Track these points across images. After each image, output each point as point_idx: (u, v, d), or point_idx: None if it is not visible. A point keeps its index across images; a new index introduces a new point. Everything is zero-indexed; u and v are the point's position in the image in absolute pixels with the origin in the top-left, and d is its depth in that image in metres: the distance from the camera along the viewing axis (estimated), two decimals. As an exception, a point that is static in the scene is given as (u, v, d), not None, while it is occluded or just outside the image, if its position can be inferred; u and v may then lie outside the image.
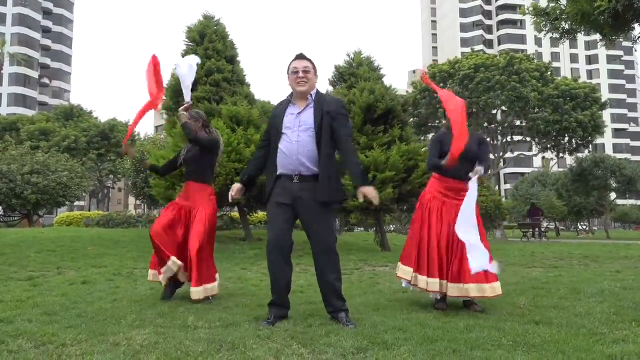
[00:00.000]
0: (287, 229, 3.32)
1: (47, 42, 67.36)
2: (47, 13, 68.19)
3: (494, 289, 3.66)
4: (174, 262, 4.09)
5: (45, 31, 67.49)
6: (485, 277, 3.63)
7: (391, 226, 28.56)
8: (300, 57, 3.46)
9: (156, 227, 4.18)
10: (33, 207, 18.67)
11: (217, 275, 4.29)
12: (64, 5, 70.82)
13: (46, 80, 66.75)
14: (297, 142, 3.29)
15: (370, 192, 3.18)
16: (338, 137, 3.32)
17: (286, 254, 3.31)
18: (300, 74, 3.38)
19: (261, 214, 15.25)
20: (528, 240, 20.47)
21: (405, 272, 3.86)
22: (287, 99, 3.51)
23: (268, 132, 3.54)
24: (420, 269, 3.77)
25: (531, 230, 22.15)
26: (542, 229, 23.06)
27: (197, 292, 3.98)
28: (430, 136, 28.93)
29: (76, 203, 32.35)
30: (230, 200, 3.53)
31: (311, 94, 3.43)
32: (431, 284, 3.70)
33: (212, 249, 4.30)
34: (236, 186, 3.53)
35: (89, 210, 35.19)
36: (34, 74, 64.38)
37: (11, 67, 57.32)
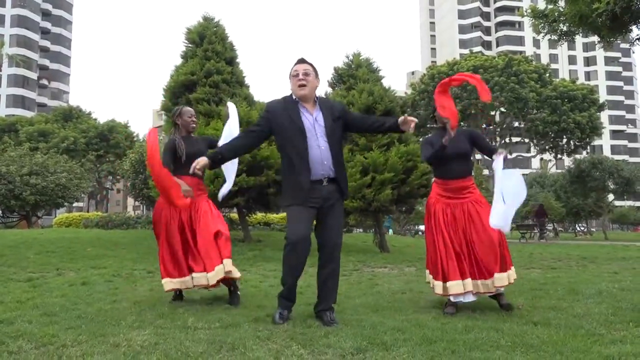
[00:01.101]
0: (310, 228, 3.39)
1: (46, 43, 67.26)
2: (45, 14, 68.10)
3: (509, 277, 3.68)
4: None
5: (44, 32, 67.41)
6: (499, 266, 3.65)
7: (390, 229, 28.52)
8: (301, 61, 3.52)
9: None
10: (32, 208, 18.64)
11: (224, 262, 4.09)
12: (63, 6, 70.73)
13: (45, 82, 66.64)
14: (320, 148, 3.37)
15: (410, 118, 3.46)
16: (362, 117, 3.88)
17: (306, 250, 3.34)
18: (300, 76, 3.42)
19: (259, 215, 15.23)
20: (526, 241, 20.51)
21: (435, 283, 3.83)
22: (292, 99, 3.48)
23: (265, 124, 3.47)
24: (437, 274, 3.76)
25: (536, 230, 22.14)
26: (543, 230, 23.12)
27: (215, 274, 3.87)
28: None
29: (75, 204, 32.34)
30: (191, 171, 3.35)
31: (316, 98, 3.51)
32: (452, 287, 3.65)
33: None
34: (202, 160, 3.34)
35: (88, 211, 35.15)
36: (33, 75, 64.29)
37: (10, 68, 57.32)
